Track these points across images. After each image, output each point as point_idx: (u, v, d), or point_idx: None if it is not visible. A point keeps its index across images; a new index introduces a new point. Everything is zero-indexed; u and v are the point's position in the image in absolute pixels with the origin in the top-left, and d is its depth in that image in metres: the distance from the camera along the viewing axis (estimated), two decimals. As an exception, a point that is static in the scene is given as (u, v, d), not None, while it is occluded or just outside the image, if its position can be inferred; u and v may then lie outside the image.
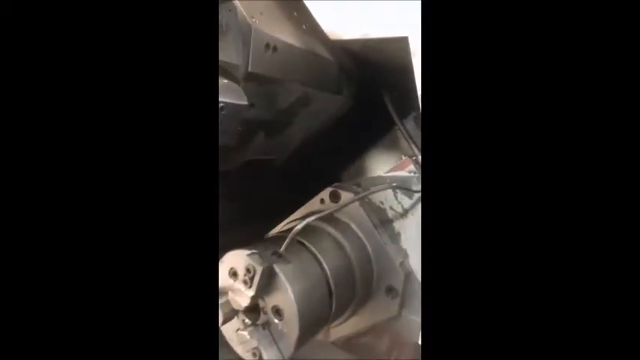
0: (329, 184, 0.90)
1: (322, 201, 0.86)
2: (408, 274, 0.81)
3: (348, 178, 1.13)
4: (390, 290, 0.80)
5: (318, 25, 0.69)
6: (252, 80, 0.61)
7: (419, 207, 0.97)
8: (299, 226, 0.62)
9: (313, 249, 0.71)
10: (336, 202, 0.84)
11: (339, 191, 0.84)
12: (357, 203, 0.82)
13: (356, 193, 0.83)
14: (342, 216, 0.84)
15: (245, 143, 0.75)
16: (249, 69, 0.59)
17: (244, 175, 0.88)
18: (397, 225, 0.89)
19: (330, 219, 0.82)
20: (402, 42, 0.61)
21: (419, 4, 0.54)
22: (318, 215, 0.66)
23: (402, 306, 0.81)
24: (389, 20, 0.63)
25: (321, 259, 0.70)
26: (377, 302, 0.81)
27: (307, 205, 0.88)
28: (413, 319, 0.82)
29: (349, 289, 0.75)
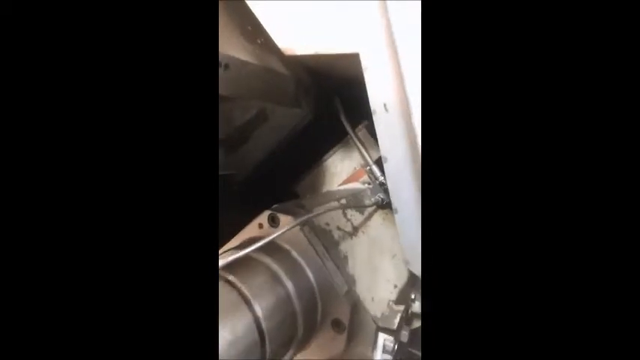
0: (280, 201, 0.83)
1: (260, 226, 0.78)
2: (355, 305, 0.74)
3: (304, 191, 1.07)
4: (336, 324, 0.72)
5: (273, 40, 0.69)
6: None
7: (371, 223, 0.91)
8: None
9: (242, 287, 0.62)
10: (276, 227, 0.75)
11: (279, 215, 0.76)
12: (297, 228, 0.74)
13: (298, 215, 0.74)
14: (281, 242, 0.76)
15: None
16: None
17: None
18: (345, 247, 0.81)
19: (268, 247, 0.73)
20: (354, 58, 0.62)
21: (369, 21, 0.60)
22: (239, 254, 0.58)
23: (350, 339, 0.74)
24: (340, 37, 0.64)
25: (251, 299, 0.61)
26: (323, 338, 0.73)
27: (244, 230, 0.79)
28: (362, 351, 0.75)
29: (288, 328, 0.67)
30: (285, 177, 1.07)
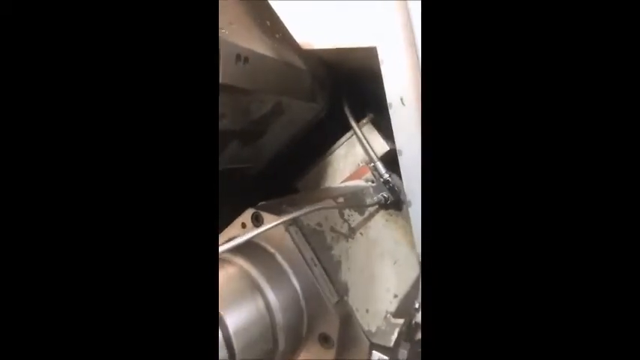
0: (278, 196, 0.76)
1: (244, 225, 0.70)
2: (347, 317, 0.65)
3: (306, 188, 0.99)
4: (324, 339, 0.64)
5: (291, 35, 0.71)
6: (223, 92, 0.59)
7: (371, 224, 0.82)
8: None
9: (212, 299, 0.54)
10: (259, 227, 0.67)
11: (262, 213, 0.68)
12: (282, 229, 0.66)
13: (285, 213, 0.66)
14: (266, 245, 0.67)
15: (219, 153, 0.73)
16: (220, 80, 0.57)
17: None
18: (338, 251, 0.73)
19: (249, 250, 0.65)
20: (371, 51, 0.64)
21: (387, 15, 0.61)
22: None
23: (339, 355, 0.65)
24: (357, 31, 0.66)
25: (222, 315, 0.53)
26: (310, 352, 0.65)
27: (226, 231, 0.72)
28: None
29: (267, 343, 0.59)
30: (292, 172, 1.01)
